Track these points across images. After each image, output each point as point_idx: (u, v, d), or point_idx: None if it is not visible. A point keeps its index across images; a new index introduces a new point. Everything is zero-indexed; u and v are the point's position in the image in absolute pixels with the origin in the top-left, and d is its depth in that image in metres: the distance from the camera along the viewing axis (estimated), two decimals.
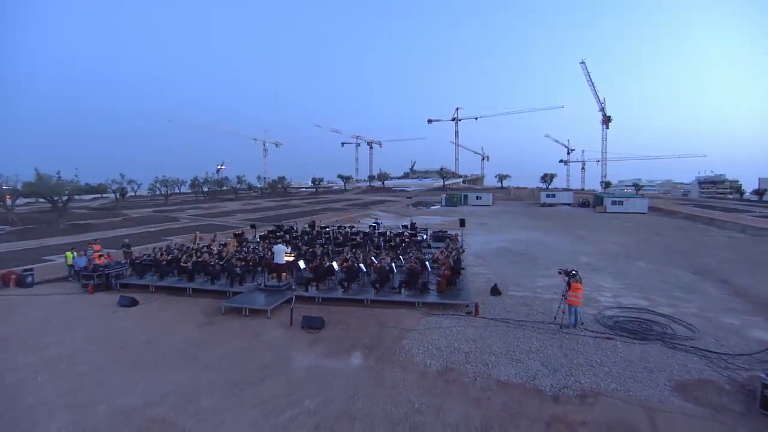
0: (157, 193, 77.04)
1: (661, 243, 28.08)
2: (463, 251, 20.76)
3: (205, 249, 17.92)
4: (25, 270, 15.96)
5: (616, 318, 11.91)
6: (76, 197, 50.06)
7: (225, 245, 19.44)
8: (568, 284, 11.11)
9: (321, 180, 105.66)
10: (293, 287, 12.86)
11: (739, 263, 20.62)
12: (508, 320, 11.64)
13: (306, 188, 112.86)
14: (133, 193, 78.02)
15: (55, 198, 34.34)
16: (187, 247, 18.34)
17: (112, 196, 72.04)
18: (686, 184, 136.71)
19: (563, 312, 11.30)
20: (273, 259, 15.20)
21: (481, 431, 6.31)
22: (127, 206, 58.96)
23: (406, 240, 23.30)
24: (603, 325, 11.23)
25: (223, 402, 7.15)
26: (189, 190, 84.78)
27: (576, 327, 11.02)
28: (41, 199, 42.10)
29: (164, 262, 15.75)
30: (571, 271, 11.48)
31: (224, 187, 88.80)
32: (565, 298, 11.21)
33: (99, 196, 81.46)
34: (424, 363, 8.82)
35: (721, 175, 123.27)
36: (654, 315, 12.17)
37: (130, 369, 8.51)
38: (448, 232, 26.95)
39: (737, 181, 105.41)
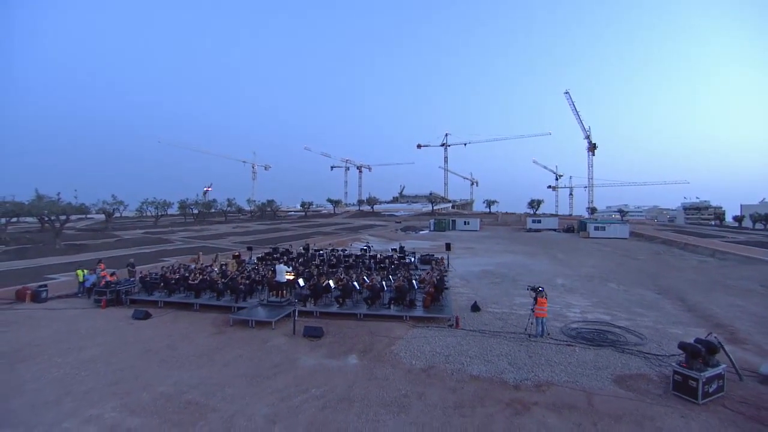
0: (146, 214, 77.48)
1: (635, 266, 30.20)
2: (447, 272, 22.50)
3: (209, 269, 19.32)
4: (41, 286, 17.16)
5: (579, 329, 13.65)
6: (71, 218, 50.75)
7: (226, 265, 20.88)
8: (535, 299, 12.90)
9: (310, 204, 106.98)
10: (295, 302, 14.38)
11: (699, 284, 22.71)
12: (484, 331, 13.30)
13: (295, 212, 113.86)
14: (118, 215, 78.19)
15: (52, 218, 35.34)
16: (192, 267, 19.71)
17: (96, 217, 71.77)
18: (672, 209, 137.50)
19: (532, 323, 13.01)
20: (275, 277, 16.69)
21: (455, 409, 7.91)
22: (116, 227, 59.47)
23: (395, 262, 24.96)
24: (567, 335, 12.94)
25: (244, 390, 8.62)
26: (177, 212, 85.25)
27: (542, 336, 12.72)
28: (28, 219, 42.95)
29: (173, 280, 17.12)
30: (538, 288, 13.28)
31: (212, 210, 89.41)
32: (533, 311, 12.97)
33: (83, 216, 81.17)
34: (410, 363, 10.40)
35: (705, 201, 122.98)
36: (612, 327, 13.94)
37: (160, 366, 9.93)
38: (435, 256, 28.66)
39: (720, 207, 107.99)
